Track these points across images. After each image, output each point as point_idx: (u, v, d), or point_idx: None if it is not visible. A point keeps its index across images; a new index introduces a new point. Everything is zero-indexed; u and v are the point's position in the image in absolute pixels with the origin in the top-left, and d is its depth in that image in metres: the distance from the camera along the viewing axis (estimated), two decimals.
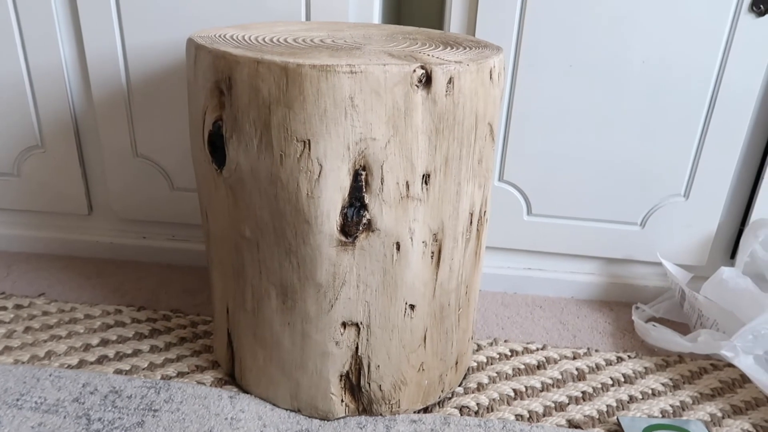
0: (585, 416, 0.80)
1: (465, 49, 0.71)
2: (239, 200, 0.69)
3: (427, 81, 0.62)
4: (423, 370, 0.77)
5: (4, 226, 1.16)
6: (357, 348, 0.73)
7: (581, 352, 0.93)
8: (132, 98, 1.01)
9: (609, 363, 0.91)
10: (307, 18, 0.94)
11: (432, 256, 0.71)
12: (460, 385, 0.85)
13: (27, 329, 0.92)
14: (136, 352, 0.88)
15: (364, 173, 0.64)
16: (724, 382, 0.88)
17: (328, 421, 0.77)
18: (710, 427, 0.80)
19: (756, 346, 0.84)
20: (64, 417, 0.75)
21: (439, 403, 0.82)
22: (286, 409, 0.78)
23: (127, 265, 1.12)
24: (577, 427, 0.79)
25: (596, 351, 0.93)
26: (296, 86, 0.60)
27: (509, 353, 0.92)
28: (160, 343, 0.90)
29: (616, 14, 0.89)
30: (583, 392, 0.85)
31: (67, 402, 0.77)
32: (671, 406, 0.83)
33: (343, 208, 0.65)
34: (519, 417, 0.80)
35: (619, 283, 1.07)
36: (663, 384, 0.87)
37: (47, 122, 1.05)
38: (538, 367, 0.89)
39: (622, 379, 0.88)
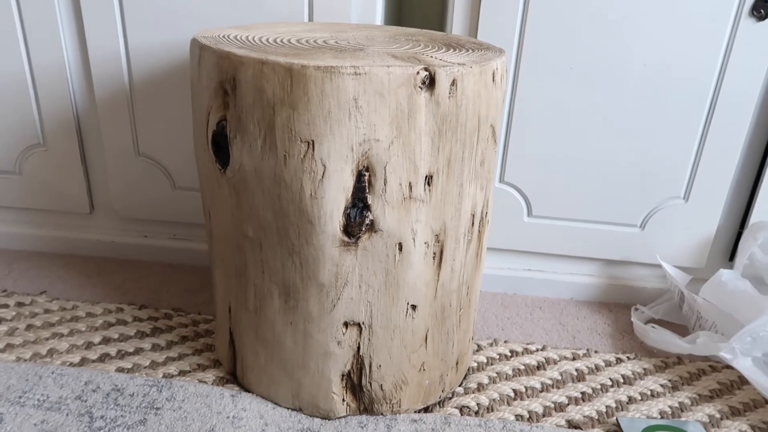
0: (584, 417, 0.81)
1: (467, 51, 0.71)
2: (242, 200, 0.69)
3: (430, 83, 0.62)
4: (424, 370, 0.78)
5: (6, 224, 1.16)
6: (359, 348, 0.73)
7: (581, 353, 0.93)
8: (134, 97, 1.02)
9: (608, 364, 0.91)
10: (310, 19, 0.94)
11: (434, 257, 0.71)
12: (460, 385, 0.85)
13: (29, 327, 0.92)
14: (138, 351, 0.89)
15: (367, 174, 0.64)
16: (723, 384, 0.88)
17: (329, 420, 0.77)
18: (708, 429, 0.80)
19: (754, 348, 0.85)
20: (67, 414, 0.75)
21: (439, 402, 0.82)
22: (288, 408, 0.79)
23: (128, 264, 1.13)
24: (576, 427, 0.79)
25: (595, 352, 0.94)
26: (301, 87, 0.61)
27: (509, 354, 0.92)
28: (161, 341, 0.91)
29: (617, 17, 0.90)
30: (583, 393, 0.85)
31: (69, 399, 0.78)
32: (670, 407, 0.84)
33: (346, 208, 0.66)
34: (519, 417, 0.80)
35: (618, 284, 1.07)
36: (662, 385, 0.88)
37: (49, 121, 1.05)
38: (538, 367, 0.90)
39: (621, 380, 0.88)
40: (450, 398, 0.83)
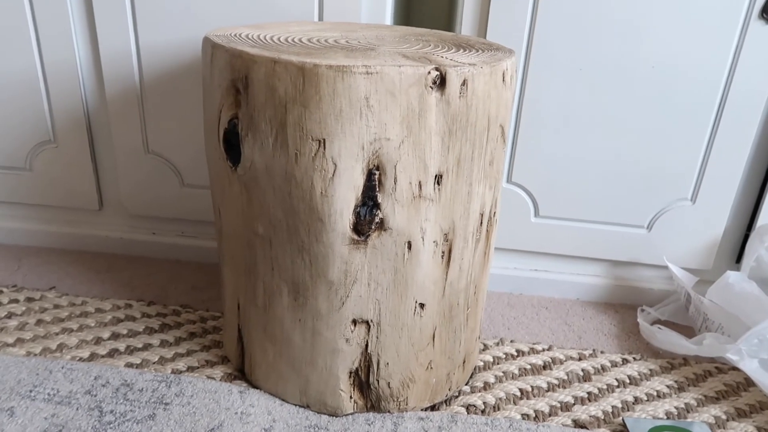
0: (590, 416, 0.81)
1: (477, 51, 0.72)
2: (253, 198, 0.70)
3: (441, 83, 0.63)
4: (431, 368, 0.78)
5: (16, 220, 1.17)
6: (367, 345, 0.74)
7: (587, 353, 0.94)
8: (144, 96, 1.02)
9: (614, 364, 0.92)
10: (320, 18, 0.95)
11: (442, 256, 0.71)
12: (467, 384, 0.85)
13: (39, 322, 0.93)
14: (147, 347, 0.89)
15: (377, 173, 0.65)
16: (729, 386, 0.88)
17: (336, 417, 0.78)
18: (714, 430, 0.81)
19: (761, 350, 0.85)
20: (77, 409, 0.76)
21: (446, 401, 0.82)
22: (295, 405, 0.79)
23: (136, 261, 1.13)
24: (582, 427, 0.80)
25: (602, 352, 0.94)
26: (312, 86, 0.61)
27: (515, 353, 0.93)
28: (170, 337, 0.91)
29: (627, 18, 0.90)
30: (589, 393, 0.85)
31: (79, 394, 0.78)
32: (676, 408, 0.84)
33: (356, 206, 0.66)
34: (525, 416, 0.81)
35: (624, 285, 1.07)
36: (668, 386, 0.88)
37: (60, 118, 1.06)
38: (544, 367, 0.90)
39: (628, 381, 0.88)
40: (457, 397, 0.83)
